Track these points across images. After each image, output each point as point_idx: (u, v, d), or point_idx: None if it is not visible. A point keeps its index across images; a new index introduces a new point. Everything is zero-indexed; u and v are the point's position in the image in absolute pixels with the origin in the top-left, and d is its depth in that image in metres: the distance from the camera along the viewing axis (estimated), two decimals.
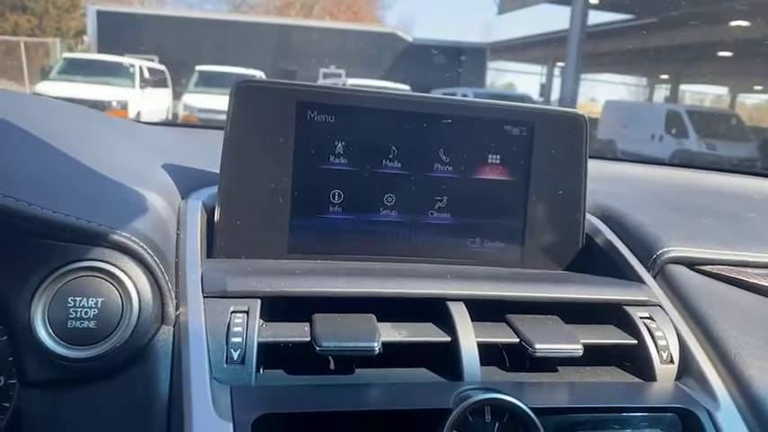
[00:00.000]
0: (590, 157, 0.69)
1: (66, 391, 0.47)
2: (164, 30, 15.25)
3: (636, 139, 9.94)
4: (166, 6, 20.78)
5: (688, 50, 12.41)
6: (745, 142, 9.44)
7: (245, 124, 0.60)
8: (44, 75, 9.18)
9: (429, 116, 0.64)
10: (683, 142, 9.32)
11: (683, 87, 16.34)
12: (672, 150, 9.29)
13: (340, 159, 0.63)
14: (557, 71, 15.97)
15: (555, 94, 15.06)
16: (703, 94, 17.41)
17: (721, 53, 12.12)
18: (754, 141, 9.58)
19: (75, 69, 8.99)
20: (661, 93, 17.08)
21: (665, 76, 16.28)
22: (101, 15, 14.80)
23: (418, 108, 0.64)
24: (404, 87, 10.38)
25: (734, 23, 10.60)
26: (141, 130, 0.89)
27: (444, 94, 10.78)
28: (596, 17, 13.55)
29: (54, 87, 8.27)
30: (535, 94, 15.13)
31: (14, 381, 0.49)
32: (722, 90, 16.80)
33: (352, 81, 10.60)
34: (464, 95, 10.32)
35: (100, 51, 13.11)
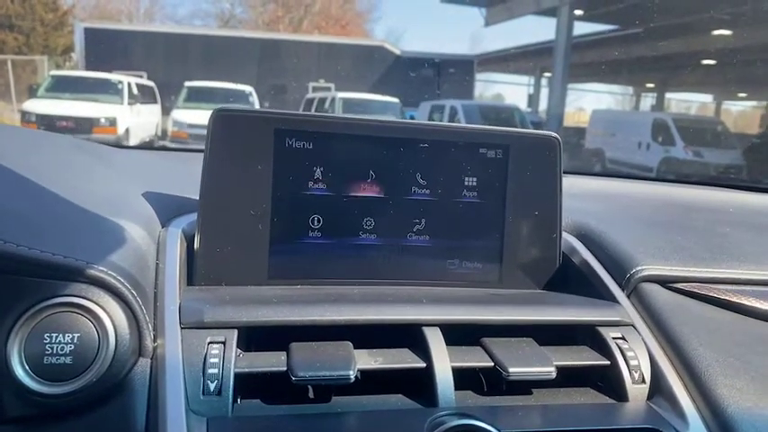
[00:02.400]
0: (567, 173, 0.70)
1: (43, 426, 0.47)
2: (152, 46, 15.24)
3: (623, 148, 10.04)
4: (155, 22, 20.81)
5: (673, 59, 12.59)
6: (730, 149, 9.53)
7: (223, 152, 0.61)
8: (31, 93, 9.13)
9: (406, 141, 0.65)
10: (670, 150, 9.40)
11: (668, 96, 16.53)
12: (659, 158, 9.37)
13: (318, 185, 0.63)
14: (544, 81, 16.12)
15: (543, 103, 15.21)
16: (689, 102, 17.63)
17: (705, 61, 12.29)
18: (739, 148, 9.68)
19: (63, 87, 8.95)
20: (647, 101, 17.28)
21: (650, 85, 16.47)
22: (88, 32, 14.76)
23: (395, 133, 0.65)
24: (393, 100, 10.43)
25: (716, 32, 10.78)
26: (121, 155, 0.89)
27: (433, 106, 10.89)
28: (582, 28, 13.73)
29: (41, 105, 8.25)
30: (523, 105, 15.27)
31: None
32: (707, 98, 17.02)
33: (341, 95, 10.60)
34: (452, 107, 10.39)
35: (88, 68, 13.09)
